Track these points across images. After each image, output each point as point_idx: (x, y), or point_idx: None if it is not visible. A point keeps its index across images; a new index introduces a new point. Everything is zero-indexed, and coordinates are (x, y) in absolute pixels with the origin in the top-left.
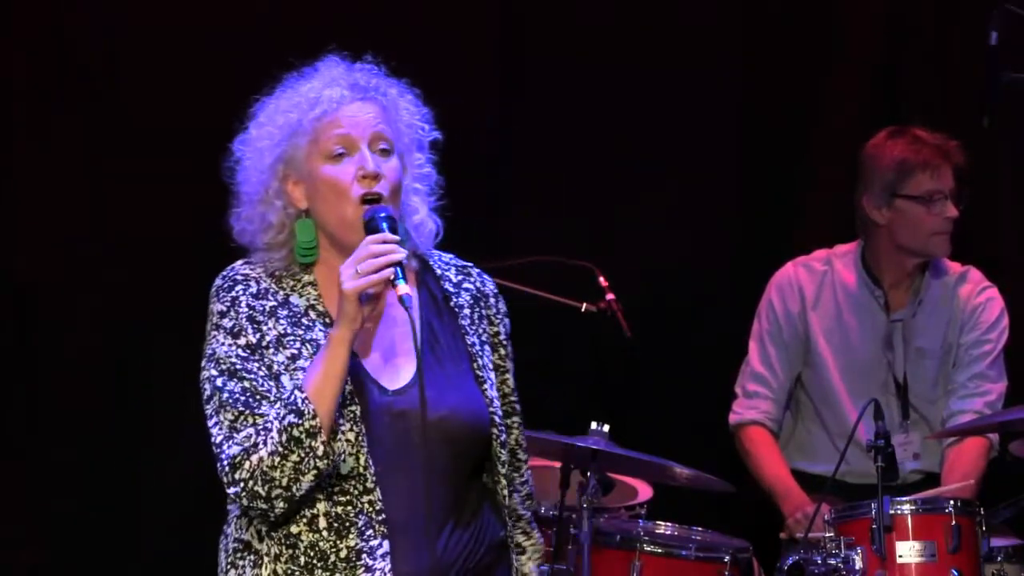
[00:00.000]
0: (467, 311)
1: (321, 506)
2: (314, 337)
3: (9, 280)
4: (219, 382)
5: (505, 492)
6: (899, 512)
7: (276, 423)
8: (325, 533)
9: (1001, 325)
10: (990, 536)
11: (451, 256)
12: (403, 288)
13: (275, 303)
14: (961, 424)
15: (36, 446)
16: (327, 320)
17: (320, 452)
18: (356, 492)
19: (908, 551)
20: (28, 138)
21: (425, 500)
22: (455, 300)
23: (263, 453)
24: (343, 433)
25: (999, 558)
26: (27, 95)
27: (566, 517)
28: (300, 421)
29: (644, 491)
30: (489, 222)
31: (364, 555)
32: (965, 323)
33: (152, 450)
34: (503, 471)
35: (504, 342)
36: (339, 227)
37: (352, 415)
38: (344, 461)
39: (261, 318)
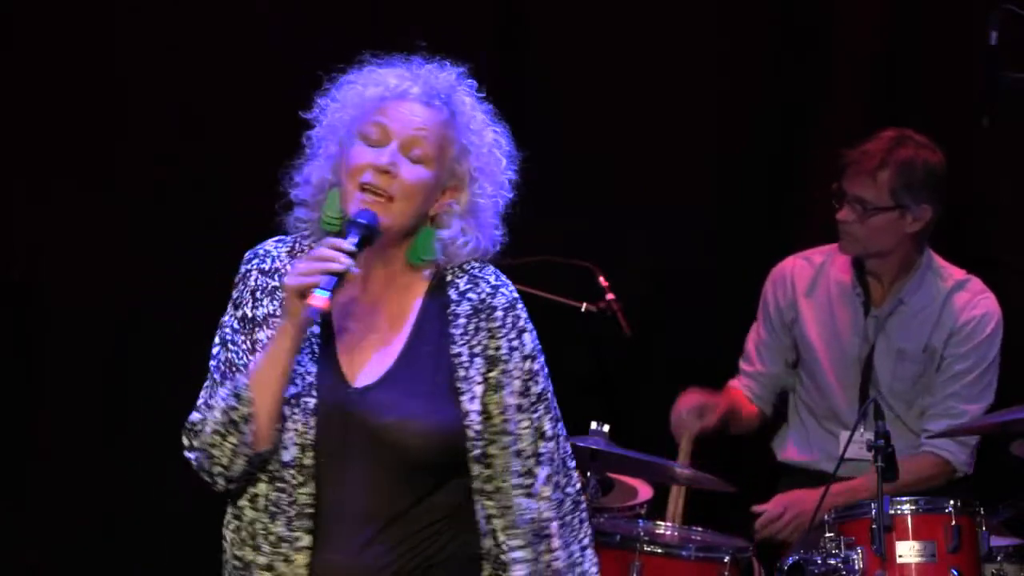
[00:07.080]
0: (462, 320)
1: (262, 487)
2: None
3: (8, 279)
4: (215, 349)
5: (477, 508)
6: (899, 512)
7: (220, 402)
8: (262, 513)
9: (991, 346)
10: (990, 536)
11: (482, 266)
12: (317, 300)
13: (278, 284)
14: (962, 424)
15: (36, 446)
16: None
17: (249, 440)
18: (294, 482)
19: (908, 551)
20: (28, 137)
21: (360, 501)
22: (453, 308)
23: (208, 429)
24: (293, 422)
25: (999, 558)
26: (27, 92)
27: None
28: (237, 405)
29: (644, 491)
30: None
31: (285, 544)
32: (955, 333)
33: (152, 450)
34: (475, 487)
35: (505, 357)
36: (343, 206)
37: (305, 406)
38: (286, 449)
39: (260, 295)
